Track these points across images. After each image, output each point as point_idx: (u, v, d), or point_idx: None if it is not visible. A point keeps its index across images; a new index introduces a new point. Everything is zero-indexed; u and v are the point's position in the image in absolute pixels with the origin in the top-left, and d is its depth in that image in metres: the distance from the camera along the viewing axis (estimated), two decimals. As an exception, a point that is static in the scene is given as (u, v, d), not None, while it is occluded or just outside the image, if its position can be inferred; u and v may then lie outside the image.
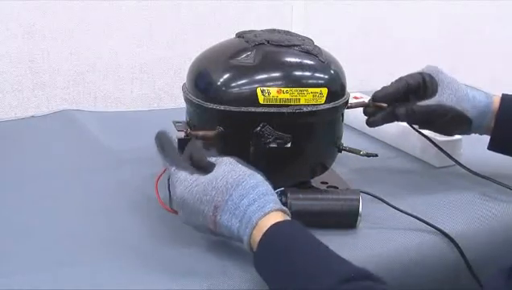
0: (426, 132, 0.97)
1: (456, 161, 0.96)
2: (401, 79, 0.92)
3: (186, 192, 0.70)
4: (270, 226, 0.66)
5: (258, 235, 0.66)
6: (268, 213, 0.67)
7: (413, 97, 0.92)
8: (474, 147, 0.97)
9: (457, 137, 1.01)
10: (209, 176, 0.70)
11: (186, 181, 0.70)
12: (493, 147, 0.94)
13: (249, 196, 0.68)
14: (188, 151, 0.74)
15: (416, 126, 0.97)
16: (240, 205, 0.68)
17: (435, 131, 0.96)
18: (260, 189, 0.69)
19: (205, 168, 0.71)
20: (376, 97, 0.92)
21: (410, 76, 0.93)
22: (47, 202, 0.84)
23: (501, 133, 0.92)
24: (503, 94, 0.93)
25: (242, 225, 0.67)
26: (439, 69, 0.93)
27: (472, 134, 0.95)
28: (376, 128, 0.98)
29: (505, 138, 0.92)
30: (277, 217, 0.67)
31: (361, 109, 0.95)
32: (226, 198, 0.68)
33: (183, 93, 0.86)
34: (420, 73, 0.93)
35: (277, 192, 0.77)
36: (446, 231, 0.81)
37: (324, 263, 0.63)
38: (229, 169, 0.70)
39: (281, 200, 0.77)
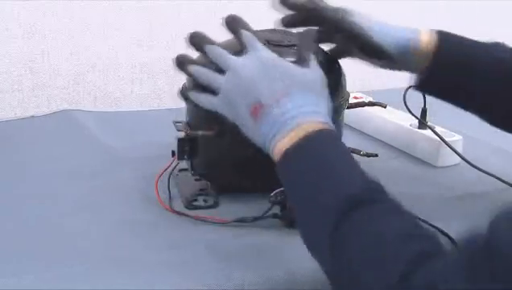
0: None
1: (463, 158, 0.96)
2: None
3: (279, 60, 0.72)
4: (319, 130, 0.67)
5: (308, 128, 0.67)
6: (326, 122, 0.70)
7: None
8: (474, 147, 0.97)
9: (457, 137, 1.01)
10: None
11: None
12: (421, 87, 0.88)
13: (325, 102, 0.71)
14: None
15: (426, 122, 0.97)
16: (320, 102, 0.70)
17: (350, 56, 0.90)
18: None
19: (306, 61, 0.74)
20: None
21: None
22: (46, 202, 0.84)
23: (438, 74, 0.85)
24: (438, 31, 0.86)
25: (300, 115, 0.68)
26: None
27: (472, 134, 0.95)
28: (376, 128, 0.98)
29: (440, 79, 0.86)
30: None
31: (361, 109, 0.95)
32: (315, 91, 0.71)
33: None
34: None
35: (277, 192, 0.77)
36: (446, 231, 0.81)
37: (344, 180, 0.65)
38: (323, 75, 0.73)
39: (281, 199, 0.78)
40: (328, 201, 0.61)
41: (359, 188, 0.63)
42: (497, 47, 0.85)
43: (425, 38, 0.85)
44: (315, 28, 0.84)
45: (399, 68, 0.88)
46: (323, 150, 0.67)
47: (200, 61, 0.78)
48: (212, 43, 0.77)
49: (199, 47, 0.77)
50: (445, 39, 0.85)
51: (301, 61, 0.74)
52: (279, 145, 0.68)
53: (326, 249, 0.60)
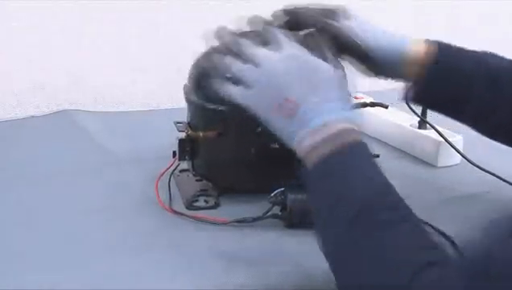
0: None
1: (465, 157, 0.96)
2: None
3: (308, 55, 0.72)
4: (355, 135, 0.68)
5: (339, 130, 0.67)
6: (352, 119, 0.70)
7: None
8: (474, 147, 0.97)
9: (458, 137, 1.01)
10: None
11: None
12: (416, 99, 0.87)
13: (348, 98, 0.72)
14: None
15: (429, 120, 0.97)
16: (344, 97, 0.71)
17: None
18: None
19: (329, 58, 0.74)
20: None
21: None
22: (46, 202, 0.84)
23: (433, 85, 0.84)
24: (433, 41, 0.85)
25: (328, 112, 0.68)
26: None
27: (472, 134, 0.95)
28: (376, 129, 0.97)
29: (435, 91, 0.85)
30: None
31: (361, 109, 0.95)
32: (339, 87, 0.71)
33: (185, 93, 0.86)
34: None
35: (277, 192, 0.78)
36: (447, 232, 0.81)
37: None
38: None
39: (281, 200, 0.78)
40: (344, 206, 0.62)
41: (374, 193, 0.63)
42: (489, 55, 0.85)
43: (416, 47, 0.84)
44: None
45: (386, 76, 0.87)
46: (352, 164, 0.68)
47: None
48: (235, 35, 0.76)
49: (222, 41, 0.76)
50: (440, 49, 0.84)
51: (326, 58, 0.74)
52: (306, 142, 0.67)
53: (337, 252, 0.61)
